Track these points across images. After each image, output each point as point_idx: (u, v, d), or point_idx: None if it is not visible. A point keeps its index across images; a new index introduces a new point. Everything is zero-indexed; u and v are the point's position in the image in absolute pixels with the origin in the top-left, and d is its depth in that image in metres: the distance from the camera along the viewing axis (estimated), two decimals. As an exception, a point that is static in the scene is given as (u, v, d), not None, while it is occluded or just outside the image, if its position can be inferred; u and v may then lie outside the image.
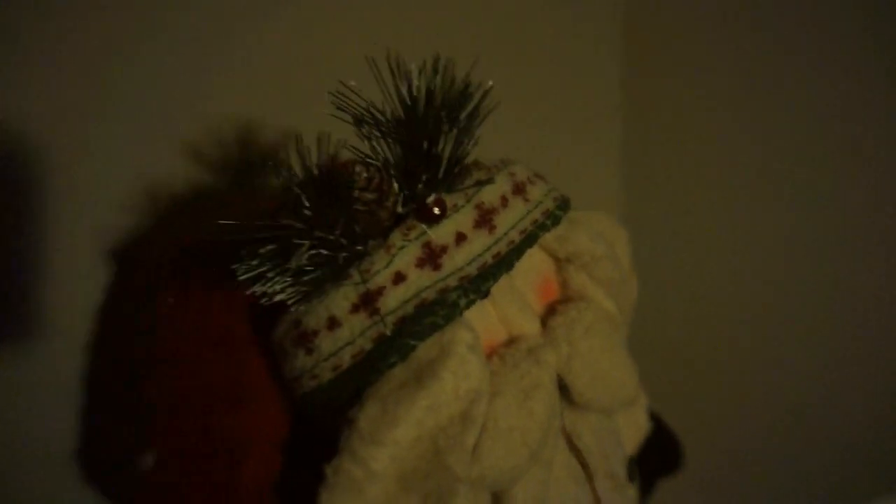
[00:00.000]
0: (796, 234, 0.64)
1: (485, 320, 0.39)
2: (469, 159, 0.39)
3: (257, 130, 0.54)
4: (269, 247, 0.33)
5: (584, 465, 0.42)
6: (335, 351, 0.36)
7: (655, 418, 0.51)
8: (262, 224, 0.34)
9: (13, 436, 0.47)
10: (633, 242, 0.49)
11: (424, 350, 0.36)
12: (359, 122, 0.36)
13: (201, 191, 0.52)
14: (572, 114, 0.75)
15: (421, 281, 0.36)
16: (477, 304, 0.37)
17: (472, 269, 0.37)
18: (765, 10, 0.63)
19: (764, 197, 0.66)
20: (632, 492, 0.46)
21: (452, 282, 0.36)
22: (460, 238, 0.37)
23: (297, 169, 0.35)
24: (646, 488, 0.51)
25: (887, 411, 0.60)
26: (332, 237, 0.34)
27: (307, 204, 0.34)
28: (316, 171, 0.35)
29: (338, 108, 0.36)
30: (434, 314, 0.36)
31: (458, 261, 0.37)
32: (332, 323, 0.36)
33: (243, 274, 0.34)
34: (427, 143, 0.36)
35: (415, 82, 0.35)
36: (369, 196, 0.34)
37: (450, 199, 0.37)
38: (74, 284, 0.48)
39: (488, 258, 0.37)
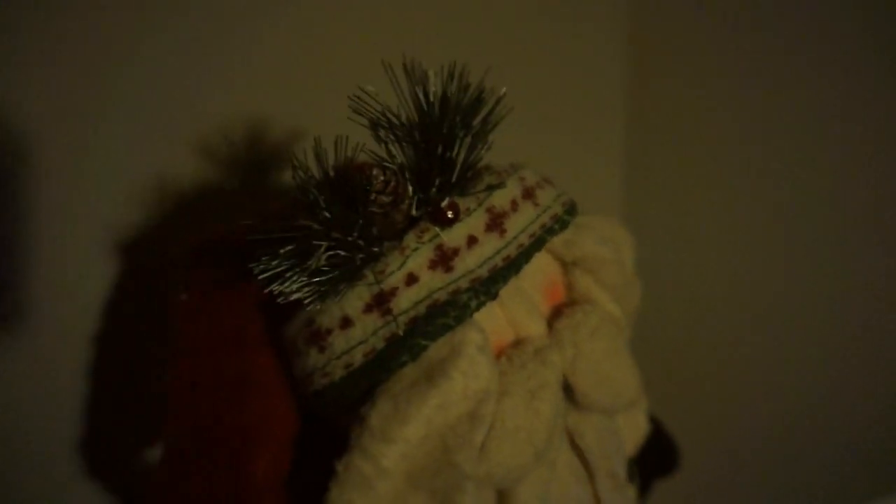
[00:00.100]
0: (797, 237, 0.65)
1: (493, 322, 0.40)
2: (481, 164, 0.39)
3: (265, 130, 0.54)
4: (289, 247, 0.34)
5: (586, 465, 0.43)
6: (347, 349, 0.37)
7: (653, 420, 0.52)
8: (280, 224, 0.35)
9: (14, 431, 0.48)
10: (634, 245, 0.50)
11: (435, 350, 0.37)
12: (375, 125, 0.37)
13: (209, 188, 0.53)
14: (575, 116, 0.75)
15: (433, 282, 0.37)
16: (485, 306, 0.38)
17: (483, 272, 0.38)
18: (767, 12, 0.64)
19: (765, 199, 0.67)
20: (631, 492, 0.47)
21: (464, 284, 0.37)
22: (472, 241, 0.38)
23: (315, 171, 0.36)
24: (643, 489, 0.52)
25: (887, 412, 0.60)
26: (349, 238, 0.34)
27: (324, 206, 0.34)
28: (333, 174, 0.36)
29: (354, 112, 0.36)
30: (445, 315, 0.36)
31: (470, 263, 0.37)
32: (346, 322, 0.37)
33: (261, 273, 0.35)
34: (442, 147, 0.36)
35: (431, 88, 0.36)
36: (385, 199, 0.35)
37: (462, 203, 0.38)
38: (77, 279, 0.48)
39: (498, 261, 0.38)
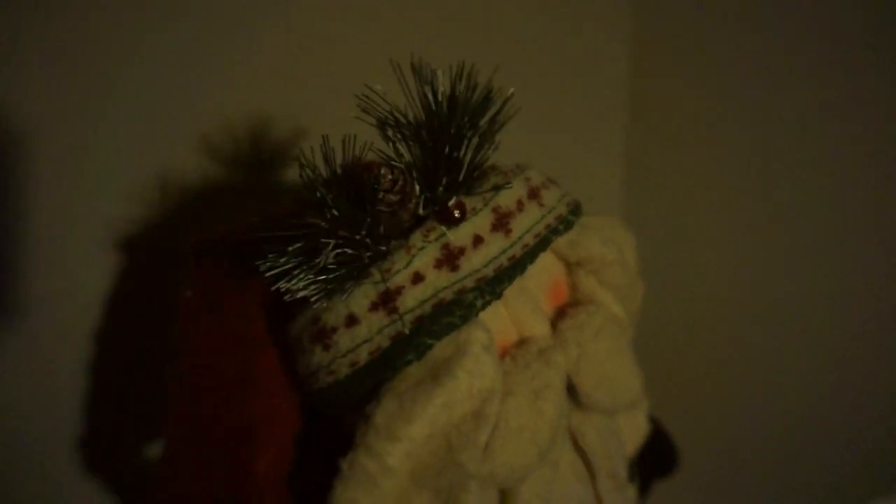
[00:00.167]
0: (798, 238, 0.65)
1: (498, 321, 0.40)
2: (487, 164, 0.39)
3: (269, 128, 0.54)
4: (297, 245, 0.34)
5: (588, 465, 0.43)
6: (353, 348, 0.37)
7: (652, 420, 0.52)
8: (287, 222, 0.35)
9: (15, 431, 0.47)
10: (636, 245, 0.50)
11: (440, 349, 0.37)
12: (382, 124, 0.37)
13: (210, 187, 0.53)
14: (576, 116, 0.75)
15: (439, 281, 0.37)
16: (490, 306, 0.38)
17: (489, 271, 0.38)
18: (769, 13, 0.64)
19: (766, 200, 0.67)
20: (632, 492, 0.47)
21: (469, 283, 0.37)
22: (478, 240, 0.38)
23: (322, 169, 0.36)
24: (642, 489, 0.52)
25: (887, 412, 0.61)
26: (357, 237, 0.35)
27: (332, 204, 0.34)
28: (340, 172, 0.36)
29: (362, 111, 0.37)
30: (451, 314, 0.37)
31: (476, 262, 0.38)
32: (351, 320, 0.37)
33: (268, 270, 0.35)
34: (449, 147, 0.36)
35: (440, 87, 0.36)
36: (393, 198, 0.35)
37: (468, 203, 0.38)
38: (77, 278, 0.48)
39: (504, 261, 0.38)
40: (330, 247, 0.34)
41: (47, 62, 0.44)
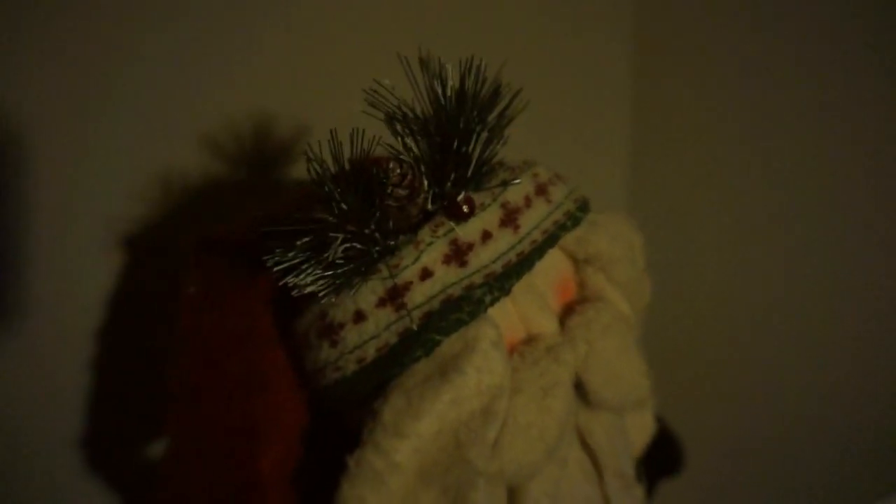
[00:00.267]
0: (801, 237, 0.65)
1: (506, 318, 0.39)
2: (496, 160, 0.39)
3: (273, 125, 0.54)
4: (305, 239, 0.34)
5: (596, 464, 0.43)
6: (360, 344, 0.37)
7: (658, 420, 0.52)
8: (295, 217, 0.35)
9: (15, 430, 0.47)
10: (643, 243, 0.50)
11: (449, 345, 0.36)
12: (390, 119, 0.37)
13: (212, 185, 0.53)
14: (579, 116, 0.75)
15: (447, 277, 0.37)
16: (499, 302, 0.38)
17: (497, 267, 0.37)
18: (773, 13, 0.64)
19: (769, 199, 0.67)
20: (639, 492, 0.47)
21: (478, 279, 0.37)
22: (486, 236, 0.38)
23: (330, 164, 0.36)
24: (648, 489, 0.52)
25: (889, 412, 0.61)
26: (365, 231, 0.34)
27: (340, 198, 0.34)
28: (349, 167, 0.35)
29: (370, 105, 0.36)
30: (459, 310, 0.36)
31: (484, 258, 0.37)
32: (359, 316, 0.37)
33: (276, 264, 0.35)
34: (458, 142, 0.36)
35: (449, 81, 0.36)
36: (402, 192, 0.35)
37: (476, 198, 0.38)
38: (77, 277, 0.48)
39: (512, 256, 0.38)
40: (338, 241, 0.34)
41: (47, 62, 0.44)
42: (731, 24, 0.68)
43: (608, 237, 0.43)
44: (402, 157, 0.36)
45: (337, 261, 0.35)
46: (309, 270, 0.35)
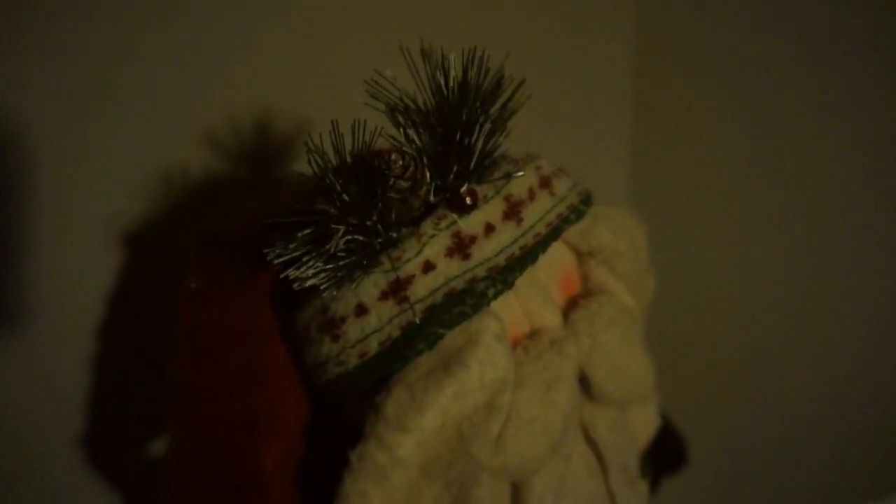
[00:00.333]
0: (801, 238, 0.65)
1: (509, 312, 0.39)
2: (498, 152, 0.39)
3: (273, 120, 0.54)
4: (307, 231, 0.34)
5: (600, 459, 0.43)
6: (362, 338, 0.37)
7: (661, 416, 0.52)
8: (296, 209, 0.34)
9: (16, 430, 0.47)
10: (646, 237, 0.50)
11: (452, 339, 0.36)
12: (392, 110, 0.36)
13: (214, 182, 0.52)
14: (581, 116, 0.75)
15: (450, 270, 0.36)
16: (502, 295, 0.37)
17: (501, 260, 0.37)
18: (773, 13, 0.64)
19: (769, 198, 0.66)
20: (643, 487, 0.46)
21: (481, 272, 0.37)
22: (489, 229, 0.37)
23: (331, 155, 0.35)
24: (651, 486, 0.52)
25: (889, 411, 0.60)
26: (367, 223, 0.34)
27: (341, 190, 0.34)
28: (350, 159, 0.35)
29: (371, 97, 0.36)
30: (463, 303, 0.36)
31: (487, 251, 0.37)
32: (361, 310, 0.37)
33: (277, 257, 0.35)
34: (460, 133, 0.36)
35: (452, 72, 0.35)
36: (404, 184, 0.35)
37: (480, 190, 0.38)
38: (77, 276, 0.48)
39: (516, 250, 0.38)
40: (340, 233, 0.34)
41: (47, 62, 0.44)
42: (731, 23, 0.67)
43: (611, 230, 0.43)
44: (404, 148, 0.36)
45: (338, 253, 0.34)
46: (310, 263, 0.34)
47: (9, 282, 0.45)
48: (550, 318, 0.41)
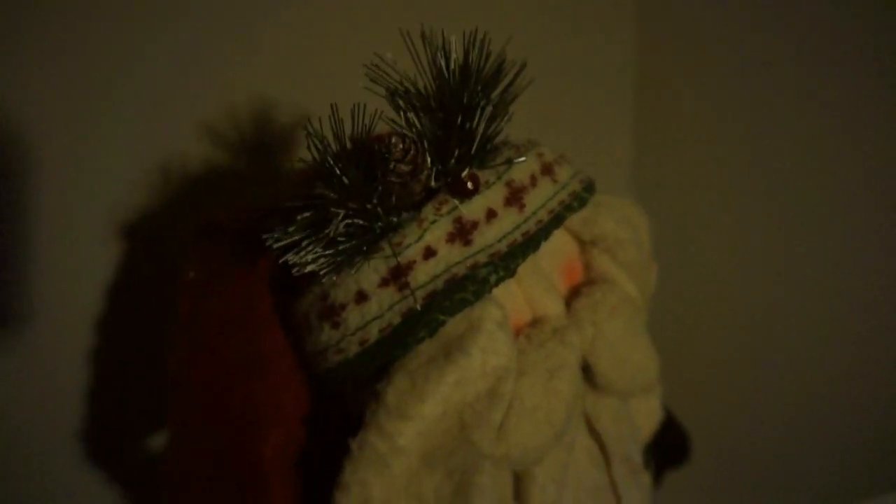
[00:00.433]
0: (801, 237, 0.64)
1: (511, 300, 0.39)
2: (500, 138, 0.38)
3: (273, 108, 0.54)
4: (306, 214, 0.33)
5: (603, 449, 0.42)
6: (363, 325, 0.36)
7: (664, 410, 0.51)
8: (296, 194, 0.34)
9: (16, 428, 0.47)
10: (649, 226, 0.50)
11: (453, 325, 0.36)
12: (392, 94, 0.36)
13: (214, 176, 0.52)
14: (582, 115, 0.74)
15: (451, 256, 0.36)
16: (504, 283, 0.37)
17: (502, 246, 0.37)
18: (773, 13, 0.64)
19: (770, 200, 0.66)
20: (646, 478, 0.46)
21: (482, 258, 0.36)
22: (491, 215, 0.37)
23: (331, 140, 0.35)
24: (655, 478, 0.51)
25: (890, 411, 0.60)
26: (367, 207, 0.34)
27: (341, 174, 0.33)
28: (350, 144, 0.35)
29: (371, 80, 0.35)
30: (464, 290, 0.35)
31: (489, 237, 0.36)
32: (361, 296, 0.36)
33: (276, 242, 0.34)
34: (462, 117, 0.35)
35: (453, 55, 0.35)
36: (405, 168, 0.34)
37: (481, 176, 0.37)
38: (77, 275, 0.48)
39: (518, 236, 0.37)
40: (339, 217, 0.33)
41: (47, 62, 0.44)
42: (731, 23, 0.67)
43: (614, 218, 0.42)
44: (404, 132, 0.36)
45: (338, 238, 0.34)
46: (309, 248, 0.34)
47: (8, 280, 0.45)
48: (553, 307, 0.40)
